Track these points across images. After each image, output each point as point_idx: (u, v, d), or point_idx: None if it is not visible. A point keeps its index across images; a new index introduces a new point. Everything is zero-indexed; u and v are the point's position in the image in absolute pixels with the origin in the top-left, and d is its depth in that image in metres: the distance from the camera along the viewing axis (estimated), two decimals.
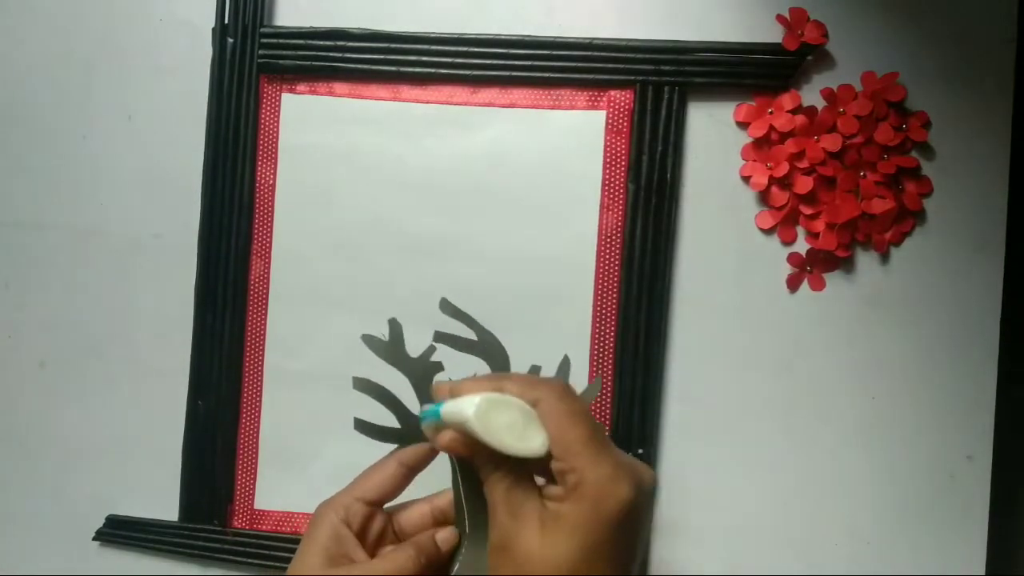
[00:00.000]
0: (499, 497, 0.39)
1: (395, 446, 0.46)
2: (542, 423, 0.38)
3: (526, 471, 0.39)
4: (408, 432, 0.45)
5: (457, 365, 0.52)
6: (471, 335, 0.45)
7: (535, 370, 0.50)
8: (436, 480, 0.46)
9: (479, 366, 0.46)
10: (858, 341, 0.54)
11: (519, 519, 0.37)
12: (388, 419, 0.51)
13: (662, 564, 0.55)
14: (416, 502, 0.47)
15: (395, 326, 0.46)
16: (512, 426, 0.38)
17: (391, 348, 0.45)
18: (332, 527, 0.43)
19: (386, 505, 0.46)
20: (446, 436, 0.40)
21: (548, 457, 0.38)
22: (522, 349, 0.55)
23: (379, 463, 0.46)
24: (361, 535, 0.44)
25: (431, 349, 0.45)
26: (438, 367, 0.45)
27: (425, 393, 0.44)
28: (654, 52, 0.54)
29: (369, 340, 0.45)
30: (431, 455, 0.45)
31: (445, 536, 0.44)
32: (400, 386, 0.44)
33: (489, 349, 0.45)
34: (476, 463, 0.40)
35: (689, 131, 0.55)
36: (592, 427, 0.38)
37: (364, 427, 0.45)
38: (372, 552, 0.44)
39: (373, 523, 0.45)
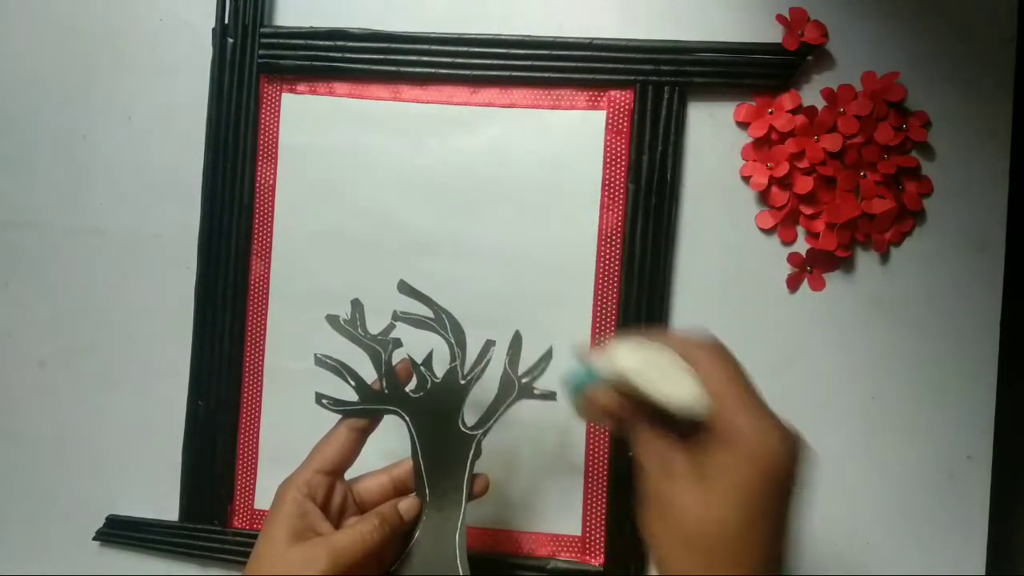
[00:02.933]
0: (652, 454, 0.38)
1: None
2: (700, 378, 0.37)
3: (674, 428, 0.38)
4: (367, 403, 0.46)
5: (417, 344, 0.49)
6: (429, 314, 0.47)
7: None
8: (392, 450, 0.47)
9: (437, 343, 0.47)
10: (858, 341, 0.54)
11: (673, 476, 0.37)
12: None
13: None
14: (375, 473, 0.48)
15: (356, 305, 0.47)
16: (666, 377, 0.37)
17: (350, 325, 0.46)
18: (295, 502, 0.44)
19: (346, 477, 0.47)
20: (605, 396, 0.39)
21: (699, 413, 0.37)
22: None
23: (331, 433, 0.47)
24: (324, 507, 0.45)
25: (390, 327, 0.47)
26: (396, 343, 0.47)
27: (383, 367, 0.46)
28: (654, 52, 0.54)
29: (332, 320, 0.47)
30: (378, 417, 0.47)
31: (407, 505, 0.46)
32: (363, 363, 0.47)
33: (446, 325, 0.47)
34: (629, 424, 0.39)
35: (689, 131, 0.55)
36: (749, 386, 0.37)
37: (325, 401, 0.46)
38: (336, 524, 0.45)
39: (335, 494, 0.46)
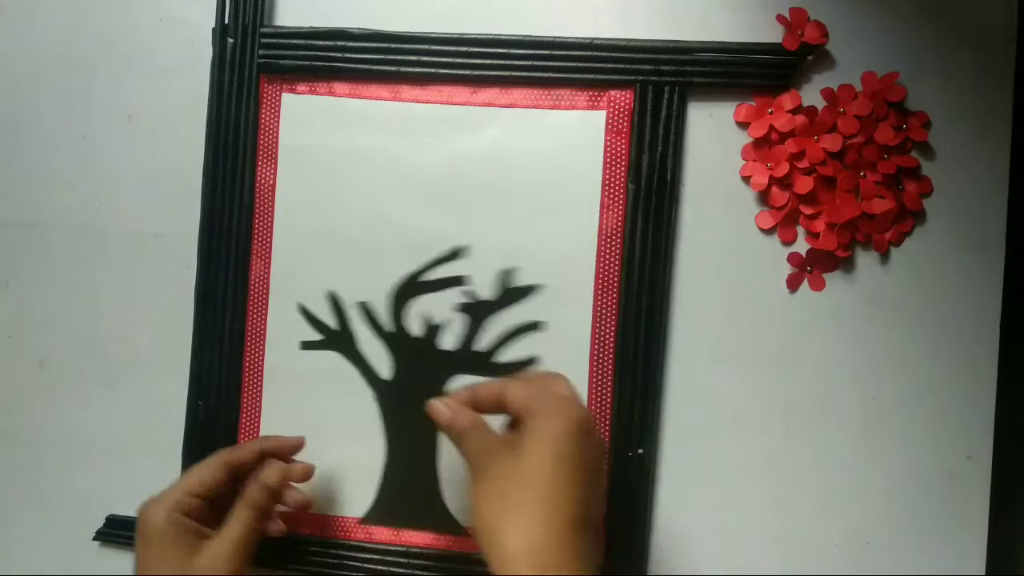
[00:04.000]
0: (481, 447, 0.45)
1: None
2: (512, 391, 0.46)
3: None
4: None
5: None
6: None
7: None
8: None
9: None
10: (858, 341, 0.54)
11: (495, 456, 0.44)
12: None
13: (662, 564, 0.55)
14: (243, 446, 0.52)
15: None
16: None
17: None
18: (165, 521, 0.47)
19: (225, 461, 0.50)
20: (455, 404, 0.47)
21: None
22: (522, 349, 0.55)
23: (206, 462, 0.50)
24: (201, 517, 0.48)
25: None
26: None
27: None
28: (654, 52, 0.54)
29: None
30: (256, 461, 0.51)
31: (276, 471, 0.50)
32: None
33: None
34: (464, 428, 0.46)
35: (689, 131, 0.55)
36: (546, 386, 0.46)
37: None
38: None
39: (209, 508, 0.49)
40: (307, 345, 0.55)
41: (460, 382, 0.52)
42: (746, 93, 0.54)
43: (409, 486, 0.54)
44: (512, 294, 0.51)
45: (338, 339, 0.54)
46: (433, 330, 0.52)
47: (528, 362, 0.52)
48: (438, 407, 0.47)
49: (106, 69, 0.58)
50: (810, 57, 0.54)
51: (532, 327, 0.51)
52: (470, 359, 0.52)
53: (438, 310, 0.52)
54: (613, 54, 0.54)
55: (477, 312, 0.51)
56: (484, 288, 0.54)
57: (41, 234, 0.59)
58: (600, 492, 0.44)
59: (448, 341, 0.53)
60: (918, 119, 0.53)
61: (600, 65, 0.54)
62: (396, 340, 0.53)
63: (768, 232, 0.54)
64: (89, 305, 0.58)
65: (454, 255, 0.51)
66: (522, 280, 0.51)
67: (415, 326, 0.53)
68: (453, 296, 0.52)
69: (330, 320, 0.54)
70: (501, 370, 0.52)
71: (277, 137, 0.56)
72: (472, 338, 0.52)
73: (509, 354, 0.52)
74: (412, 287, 0.51)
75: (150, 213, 0.58)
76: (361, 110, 0.56)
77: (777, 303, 0.54)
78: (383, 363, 0.54)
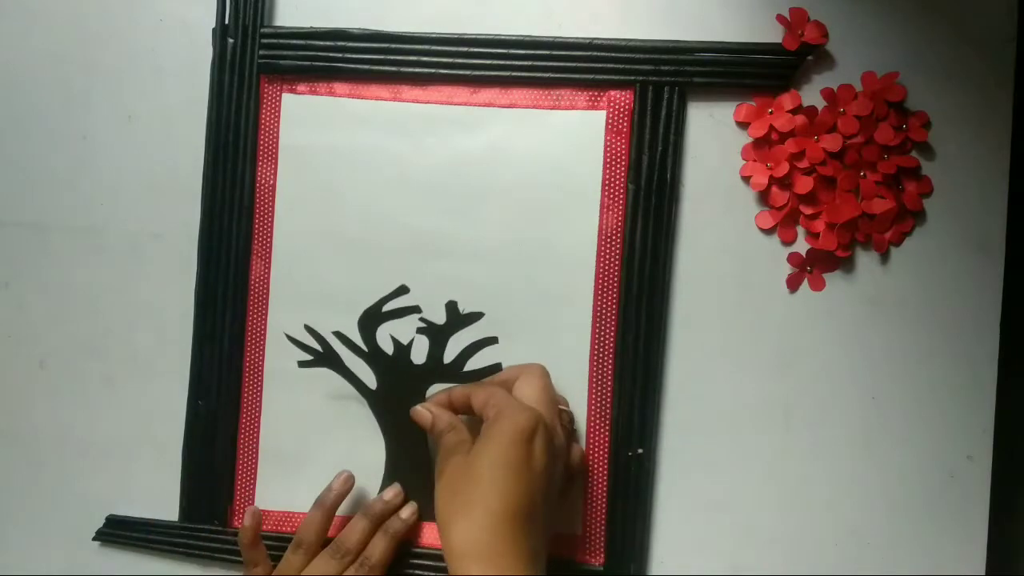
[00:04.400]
0: (452, 447, 0.49)
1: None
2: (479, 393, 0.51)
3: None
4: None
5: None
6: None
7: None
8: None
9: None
10: (858, 341, 0.54)
11: (456, 455, 0.48)
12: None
13: (662, 564, 0.55)
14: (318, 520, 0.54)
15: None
16: None
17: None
18: None
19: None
20: (437, 408, 0.52)
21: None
22: (522, 349, 0.55)
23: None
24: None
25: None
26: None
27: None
28: (654, 52, 0.54)
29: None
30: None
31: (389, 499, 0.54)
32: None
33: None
34: (444, 428, 0.51)
35: (689, 131, 0.55)
36: (501, 390, 0.50)
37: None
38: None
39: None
40: (303, 364, 0.56)
41: (439, 388, 0.55)
42: (746, 93, 0.54)
43: (410, 480, 0.55)
44: (460, 320, 0.55)
45: (326, 359, 0.56)
46: (404, 349, 0.55)
47: (493, 368, 0.55)
48: (420, 412, 0.52)
49: (106, 69, 0.58)
50: (810, 57, 0.54)
51: (490, 341, 0.55)
52: (441, 370, 0.55)
53: (404, 332, 0.56)
54: (613, 54, 0.54)
55: (434, 335, 0.55)
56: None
57: (41, 234, 0.59)
58: (551, 489, 0.47)
59: (419, 356, 0.55)
60: (918, 119, 0.53)
61: (600, 65, 0.54)
62: (374, 359, 0.56)
63: (768, 232, 0.54)
64: (89, 305, 0.58)
65: (401, 291, 0.56)
66: (473, 307, 0.55)
67: (387, 347, 0.56)
68: (412, 322, 0.56)
69: (314, 344, 0.56)
70: (470, 377, 0.55)
71: (277, 137, 0.56)
72: (438, 354, 0.55)
73: (478, 361, 0.55)
74: (373, 317, 0.56)
75: (150, 213, 0.58)
76: (361, 110, 0.56)
77: (777, 303, 0.54)
78: (368, 376, 0.56)
